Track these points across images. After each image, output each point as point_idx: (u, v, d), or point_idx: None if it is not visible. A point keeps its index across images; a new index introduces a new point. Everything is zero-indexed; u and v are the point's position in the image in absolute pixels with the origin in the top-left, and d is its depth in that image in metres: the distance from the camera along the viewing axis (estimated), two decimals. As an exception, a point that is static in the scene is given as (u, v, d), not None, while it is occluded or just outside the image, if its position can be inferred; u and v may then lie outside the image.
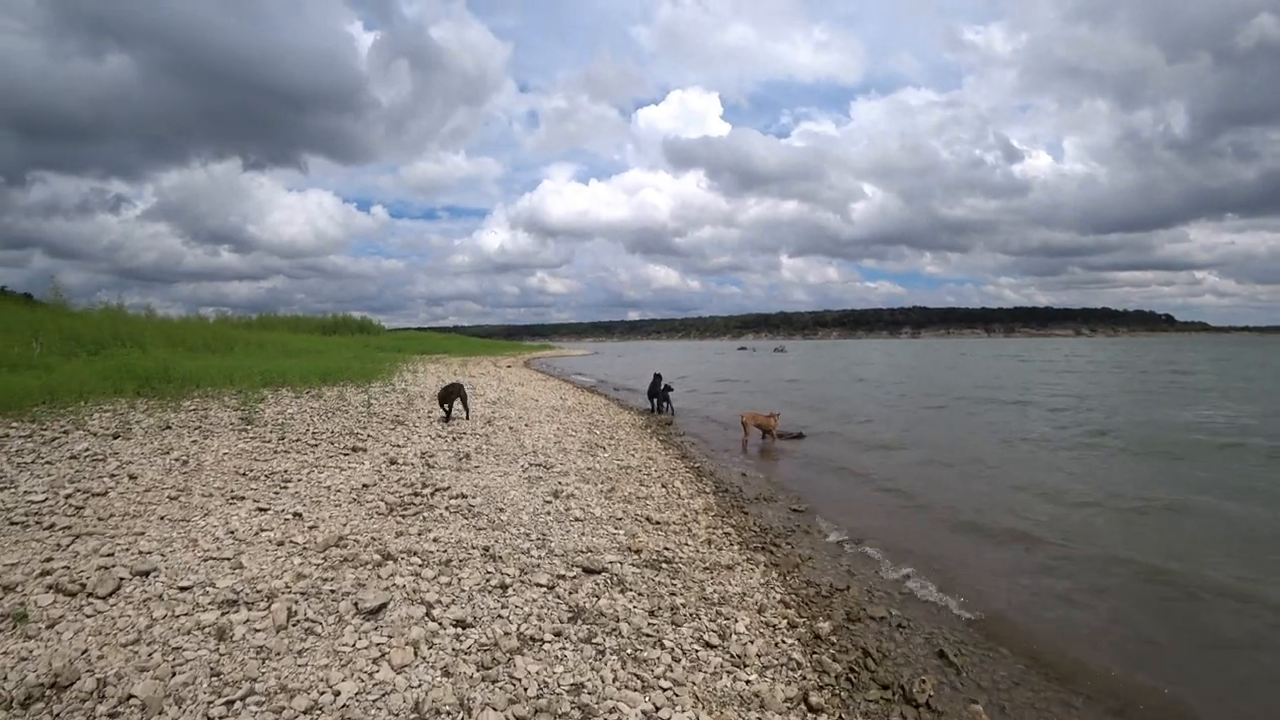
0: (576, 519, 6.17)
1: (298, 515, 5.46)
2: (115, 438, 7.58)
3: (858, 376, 33.23)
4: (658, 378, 18.25)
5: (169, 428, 8.27)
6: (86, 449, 6.95)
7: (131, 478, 6.21)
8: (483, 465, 7.97)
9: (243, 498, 5.83)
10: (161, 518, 5.28)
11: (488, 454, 8.78)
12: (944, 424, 15.20)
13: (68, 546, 4.57)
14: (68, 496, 5.61)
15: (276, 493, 6.08)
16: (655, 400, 18.35)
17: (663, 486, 8.16)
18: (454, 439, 9.57)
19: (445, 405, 11.63)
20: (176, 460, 6.88)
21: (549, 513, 6.24)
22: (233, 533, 5.02)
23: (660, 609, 4.51)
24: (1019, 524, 7.37)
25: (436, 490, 6.54)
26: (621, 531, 6.00)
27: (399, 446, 8.60)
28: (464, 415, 11.83)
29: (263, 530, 5.11)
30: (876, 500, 8.60)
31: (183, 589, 3.99)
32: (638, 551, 5.51)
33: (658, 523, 6.51)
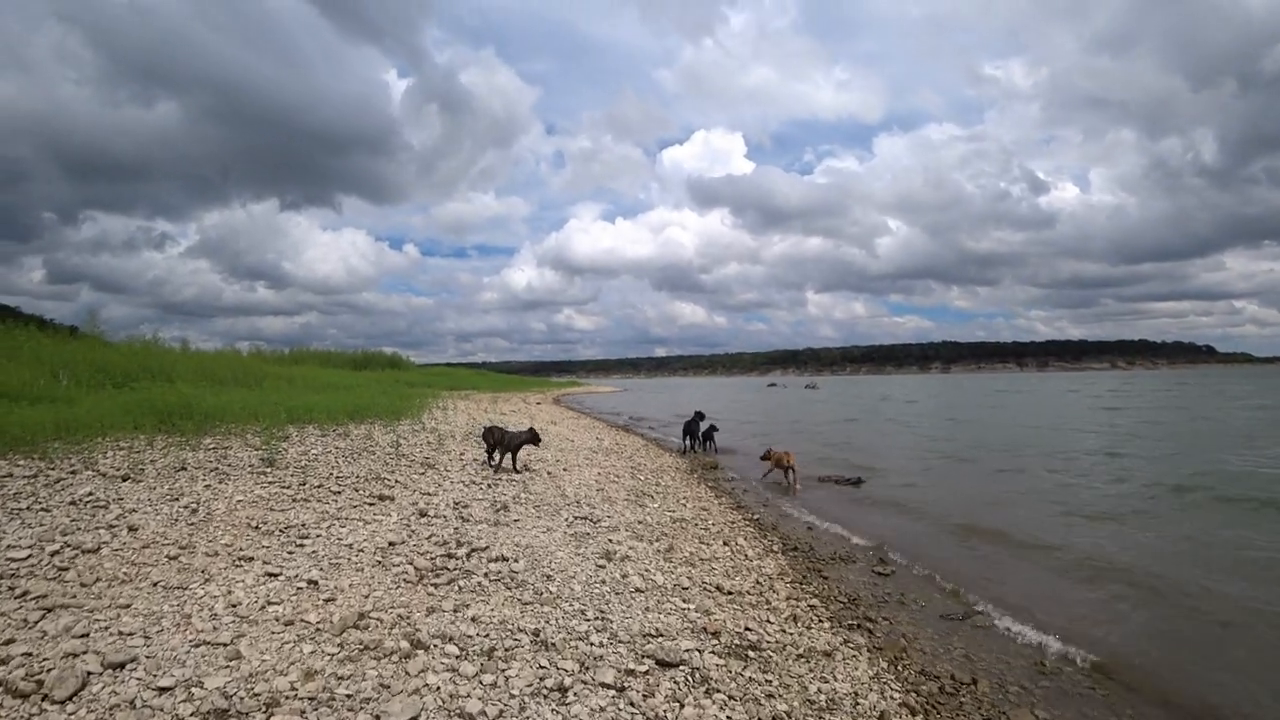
0: (637, 589, 5.25)
1: (313, 584, 4.63)
2: (124, 480, 6.87)
3: (901, 416, 31.87)
4: (699, 415, 17.35)
5: (184, 469, 7.56)
6: (90, 493, 6.23)
7: (131, 530, 5.45)
8: (522, 518, 7.11)
9: (251, 558, 5.03)
10: (155, 584, 4.49)
11: (527, 504, 7.92)
12: (1010, 466, 14.00)
13: (36, 623, 3.78)
14: (54, 553, 4.86)
15: (291, 552, 5.26)
16: (691, 439, 17.45)
17: (725, 544, 7.21)
18: (489, 485, 8.73)
19: (489, 448, 10.63)
20: (185, 508, 6.13)
21: (604, 580, 5.33)
22: (235, 607, 4.20)
23: (760, 720, 3.58)
24: (1145, 575, 6.37)
25: (473, 550, 5.67)
26: (692, 605, 5.06)
27: (429, 495, 7.78)
28: (511, 468, 10.48)
29: (270, 604, 4.28)
30: (960, 553, 7.61)
31: (162, 690, 3.16)
32: (716, 634, 4.57)
33: (730, 593, 5.56)
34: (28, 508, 5.77)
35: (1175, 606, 5.94)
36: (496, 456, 10.59)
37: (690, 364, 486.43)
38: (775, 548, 7.47)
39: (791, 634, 4.89)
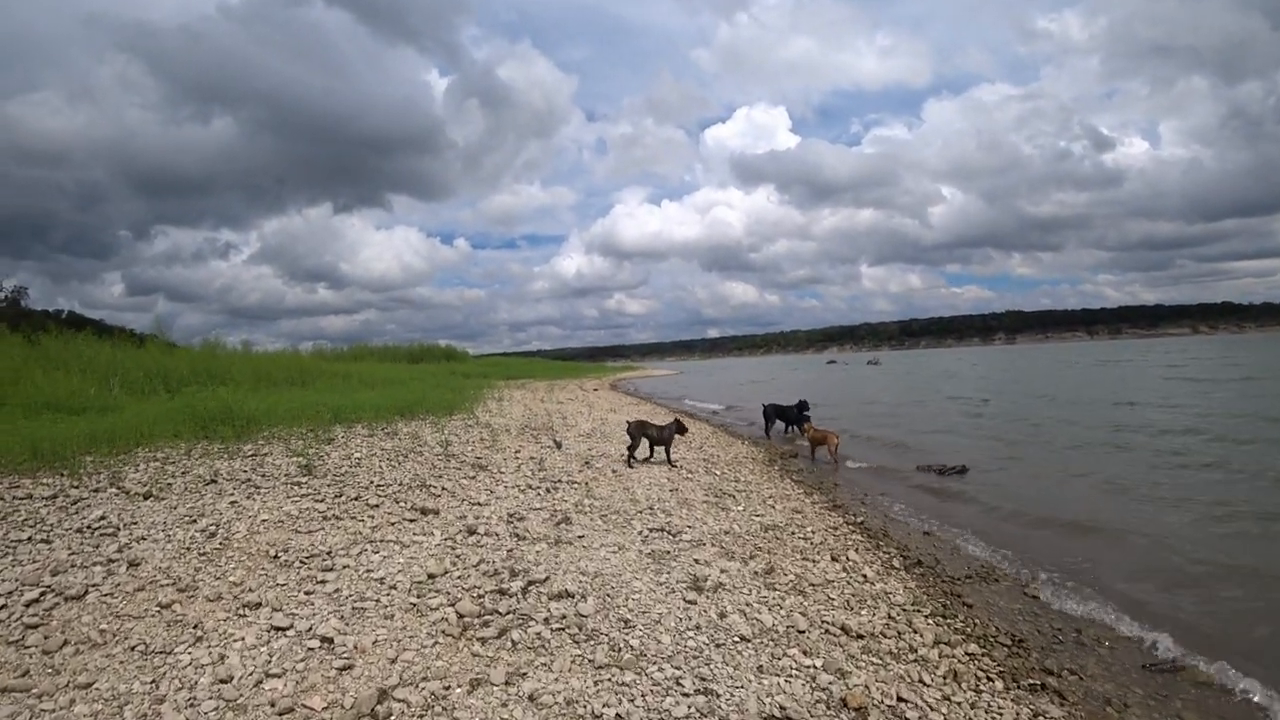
0: (742, 636, 4.06)
1: (327, 641, 3.61)
2: (146, 498, 6.07)
3: (975, 393, 29.76)
4: (803, 404, 15.95)
5: (214, 481, 6.75)
6: (102, 517, 5.42)
7: (131, 565, 4.57)
8: (588, 533, 5.99)
9: (259, 604, 4.04)
10: (133, 647, 3.53)
11: (592, 512, 6.82)
12: (1115, 450, 12.26)
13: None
14: (31, 602, 3.99)
15: (309, 593, 4.27)
16: (773, 423, 16.24)
17: (834, 559, 5.96)
18: (547, 490, 7.66)
19: (633, 444, 10.20)
20: (202, 532, 5.25)
21: (698, 625, 4.16)
22: (223, 683, 3.21)
23: None
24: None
25: (530, 584, 4.58)
26: (818, 661, 3.85)
27: (479, 504, 6.74)
28: (666, 460, 10.39)
29: (269, 675, 3.27)
30: (1115, 564, 6.20)
31: None
32: (861, 710, 3.36)
33: (861, 636, 4.32)
34: (29, 538, 4.97)
35: None
36: (643, 452, 10.35)
37: (744, 344, 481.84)
38: (896, 563, 6.16)
39: (960, 703, 3.64)
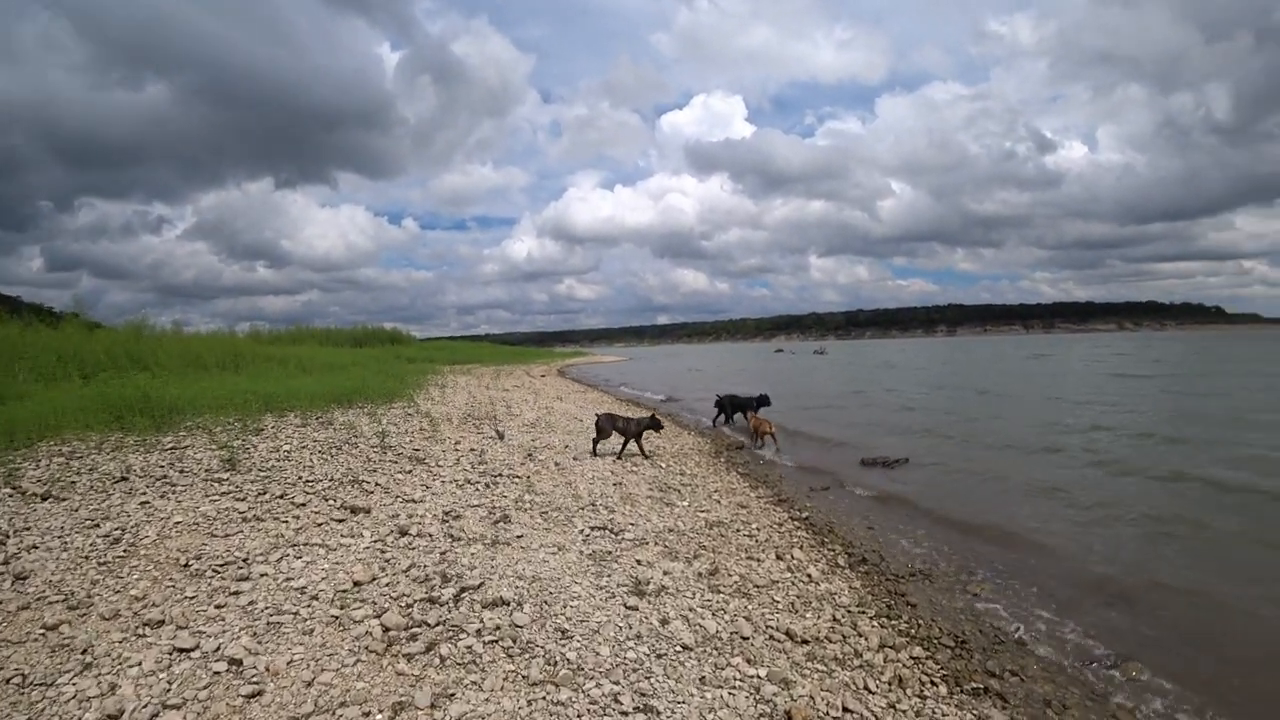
0: (684, 645, 3.90)
1: (235, 664, 3.31)
2: (45, 499, 5.60)
3: (917, 386, 30.45)
4: (763, 397, 15.76)
5: (124, 478, 6.28)
6: (-9, 522, 4.96)
7: (18, 579, 4.16)
8: (527, 533, 5.76)
9: (162, 621, 3.71)
10: (8, 680, 3.18)
11: (532, 509, 6.58)
12: (1047, 446, 12.60)
13: None
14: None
15: (220, 606, 3.94)
16: (729, 414, 16.12)
17: (779, 558, 5.87)
18: (487, 485, 7.39)
19: (599, 438, 10.22)
20: (105, 538, 4.84)
21: (639, 634, 3.98)
22: (113, 718, 2.90)
23: None
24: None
25: (464, 590, 4.34)
26: (762, 671, 3.71)
27: (414, 501, 6.43)
28: (641, 454, 10.39)
29: (166, 707, 2.97)
30: (1050, 557, 6.31)
31: None
32: (806, 725, 3.27)
33: (806, 641, 4.21)
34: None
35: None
36: (610, 446, 10.24)
37: (694, 331, 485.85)
38: (840, 560, 6.10)
39: (905, 711, 3.55)
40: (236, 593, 4.10)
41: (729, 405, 16.06)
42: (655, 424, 10.65)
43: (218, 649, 3.44)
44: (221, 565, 4.49)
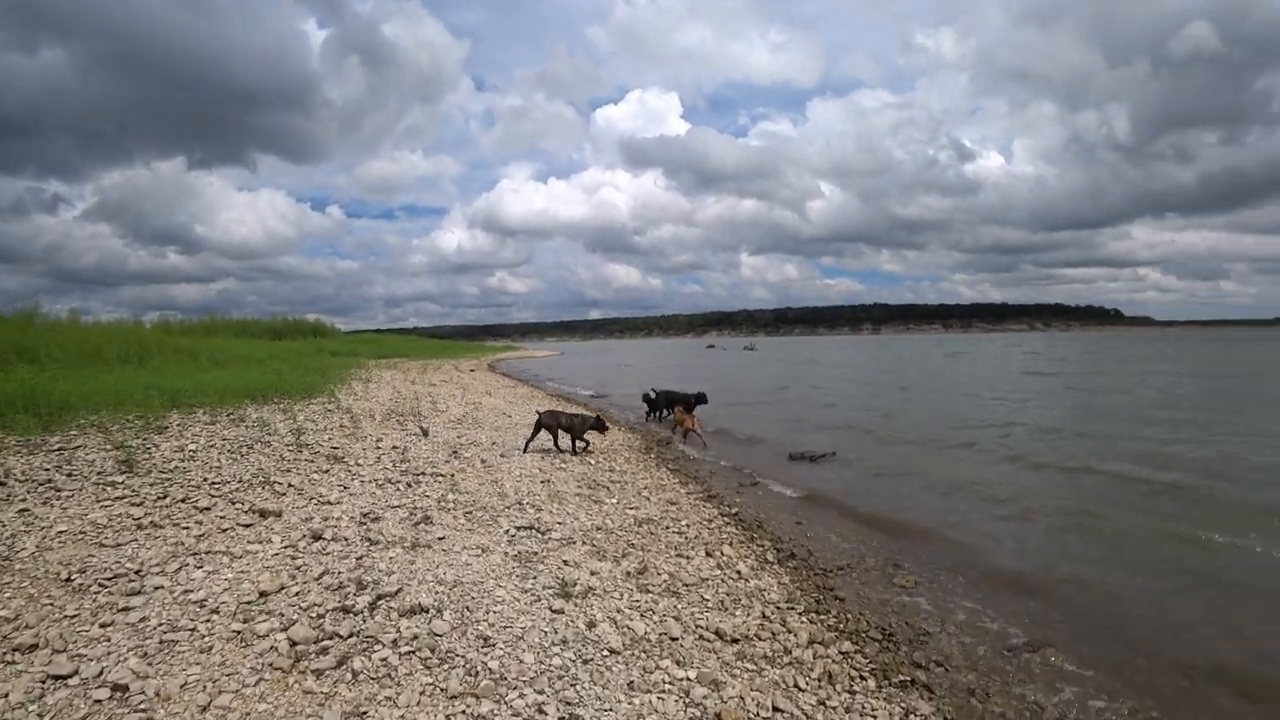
0: (611, 649, 3.78)
1: (120, 690, 3.01)
2: (-93, 509, 5.07)
3: (852, 379, 31.37)
4: (701, 395, 15.63)
5: (3, 483, 5.75)
6: None
7: None
8: (450, 535, 5.53)
9: (35, 646, 3.36)
10: None
11: (456, 509, 6.34)
12: (961, 441, 13.11)
13: None
14: None
15: (106, 625, 3.60)
16: (662, 410, 16.02)
17: (709, 555, 5.82)
18: (409, 484, 7.10)
19: (536, 434, 10.05)
20: (-28, 550, 4.40)
21: (565, 639, 3.84)
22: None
23: None
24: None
25: (380, 598, 4.11)
26: (691, 673, 3.63)
27: (329, 503, 6.10)
28: (571, 450, 10.23)
29: (32, 745, 2.69)
30: (971, 547, 6.52)
31: None
32: (735, 728, 3.21)
33: (735, 640, 4.16)
34: None
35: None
36: (554, 441, 10.09)
37: (626, 326, 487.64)
38: (770, 556, 6.09)
39: (835, 707, 3.54)
40: (126, 609, 3.76)
41: (664, 401, 15.97)
42: (600, 425, 10.54)
43: (100, 674, 3.12)
44: (110, 579, 4.12)
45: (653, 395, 16.68)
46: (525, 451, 9.81)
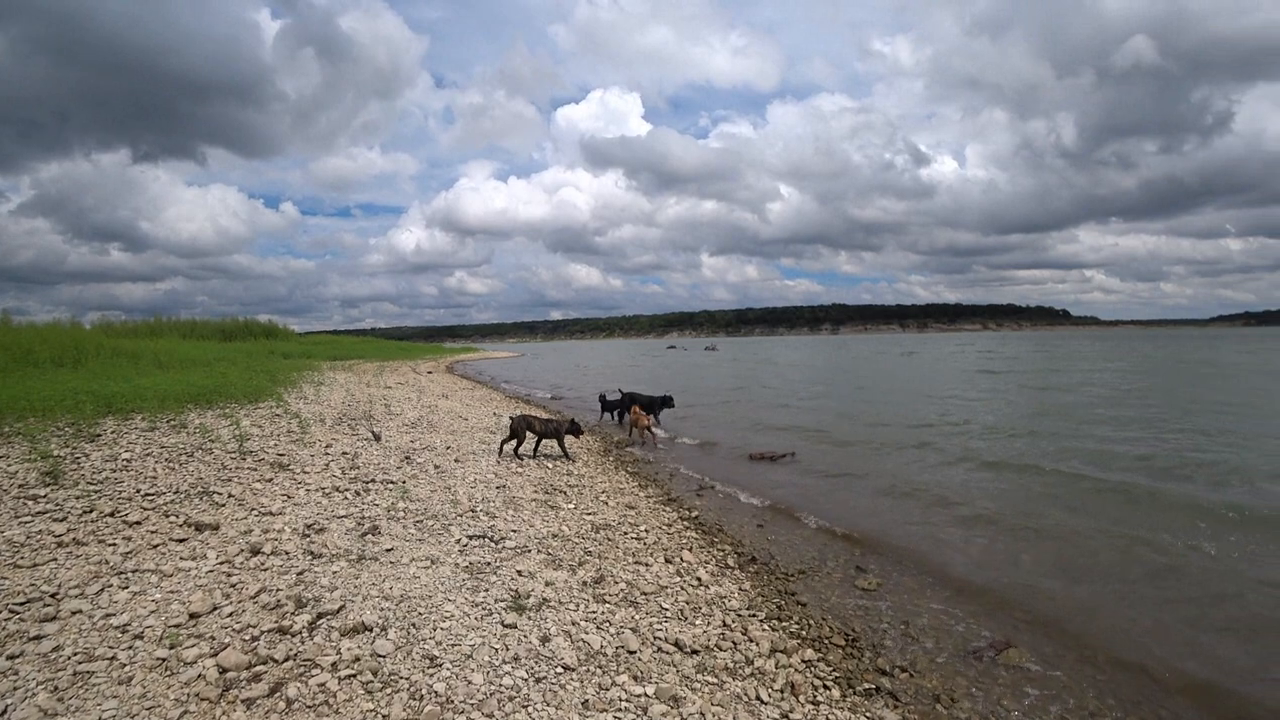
0: (565, 665, 3.62)
1: (22, 728, 2.78)
2: None
3: (810, 379, 31.67)
4: (667, 398, 15.46)
5: (-89, 497, 5.35)
6: None
7: None
8: (398, 546, 5.31)
9: (-73, 680, 3.08)
10: None
11: (406, 518, 6.11)
12: (920, 441, 13.30)
13: None
14: None
15: (14, 656, 3.30)
16: (619, 412, 15.95)
17: (667, 561, 5.69)
18: (357, 492, 6.82)
19: (510, 438, 9.88)
20: None
21: (517, 655, 3.67)
22: None
23: None
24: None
25: (320, 616, 3.89)
26: (650, 688, 3.48)
27: (272, 514, 5.82)
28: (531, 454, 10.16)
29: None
30: (928, 546, 6.52)
31: None
32: (693, 750, 3.08)
33: (695, 651, 4.02)
34: None
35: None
36: (522, 446, 9.91)
37: (587, 326, 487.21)
38: (730, 561, 5.98)
39: (798, 721, 3.47)
40: (38, 638, 3.47)
41: (628, 404, 15.82)
42: (575, 429, 10.41)
43: (3, 713, 2.86)
44: (21, 604, 3.81)
45: (608, 396, 16.77)
46: (500, 456, 9.72)
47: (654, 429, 13.27)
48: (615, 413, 16.22)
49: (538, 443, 10.26)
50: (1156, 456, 10.22)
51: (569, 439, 10.48)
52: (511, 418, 10.07)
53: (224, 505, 5.98)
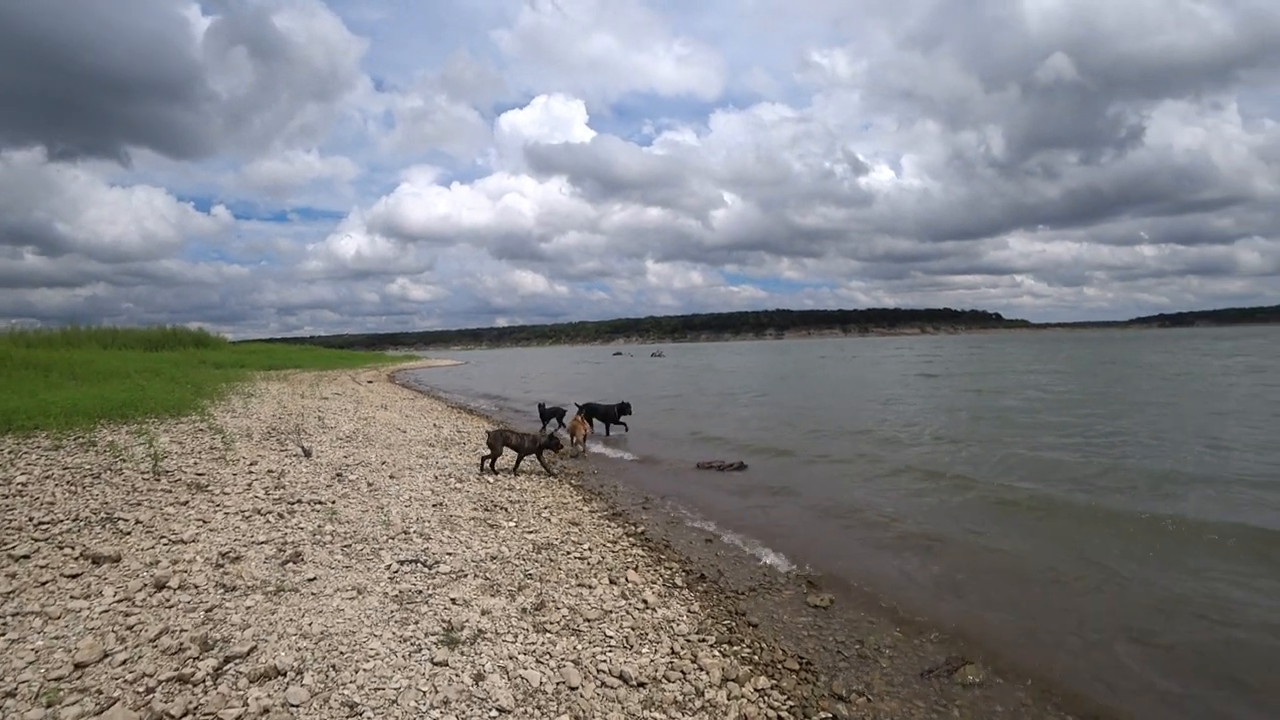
0: (500, 708, 3.31)
1: None
2: None
3: (756, 385, 31.86)
4: (625, 406, 15.28)
5: None
6: None
7: None
8: (322, 575, 4.93)
9: None
10: None
11: (333, 543, 5.71)
12: (867, 450, 13.41)
13: None
14: None
15: None
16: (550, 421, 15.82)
17: (612, 582, 5.42)
18: (281, 515, 6.37)
19: (491, 455, 9.78)
20: None
21: (446, 698, 3.35)
22: None
23: None
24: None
25: (228, 660, 3.52)
26: (591, 733, 3.27)
27: (182, 542, 5.36)
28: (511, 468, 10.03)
29: None
30: (881, 561, 6.43)
31: None
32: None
33: (641, 684, 3.78)
34: None
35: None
36: (503, 462, 9.90)
37: (533, 334, 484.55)
38: (678, 580, 5.73)
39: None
40: (-118, 698, 3.04)
41: (588, 414, 15.52)
42: (554, 443, 10.11)
43: None
44: None
45: (547, 405, 16.82)
46: (494, 472, 9.68)
47: (587, 441, 13.09)
48: (556, 421, 16.11)
49: (519, 459, 9.98)
50: (1091, 465, 10.32)
51: (548, 454, 10.17)
52: (489, 432, 9.83)
53: (129, 533, 5.49)
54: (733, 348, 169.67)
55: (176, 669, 3.42)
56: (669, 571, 5.96)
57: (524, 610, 4.65)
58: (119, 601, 4.20)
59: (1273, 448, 11.09)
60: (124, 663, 3.47)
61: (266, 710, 3.12)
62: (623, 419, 15.29)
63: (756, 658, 4.38)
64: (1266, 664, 4.47)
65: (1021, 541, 7.04)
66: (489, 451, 9.72)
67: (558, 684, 3.68)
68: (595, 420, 15.34)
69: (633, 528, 7.39)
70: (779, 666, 4.30)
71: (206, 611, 4.13)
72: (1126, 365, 36.91)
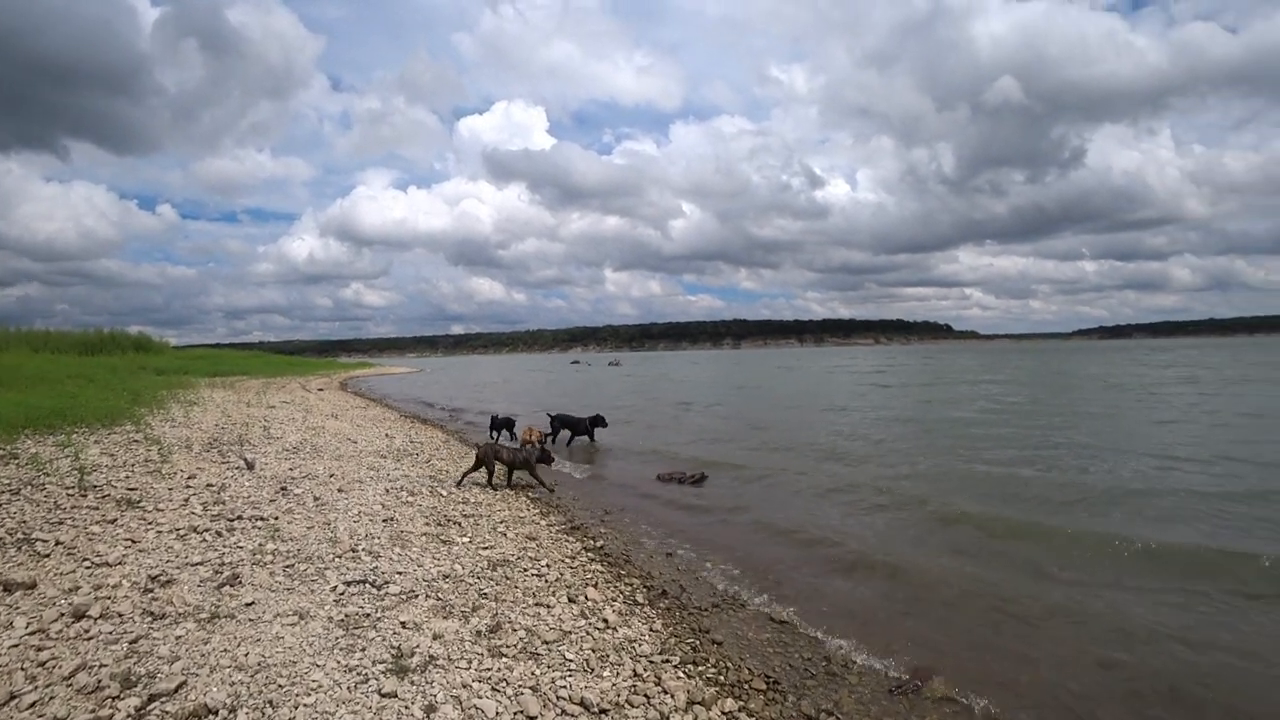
0: (452, 746, 3.15)
1: None
2: None
3: (714, 395, 31.93)
4: (599, 419, 15.09)
5: None
6: None
7: None
8: (261, 598, 4.62)
9: None
10: None
11: (274, 563, 5.38)
12: (830, 460, 13.46)
13: None
14: None
15: None
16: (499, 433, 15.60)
17: (571, 601, 5.20)
18: (219, 533, 6.00)
19: (477, 468, 9.52)
20: None
21: (394, 736, 3.16)
22: None
23: None
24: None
25: (152, 699, 3.21)
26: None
27: (108, 565, 4.98)
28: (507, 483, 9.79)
29: None
30: (849, 578, 6.32)
31: None
32: None
33: (604, 709, 3.57)
34: None
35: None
36: (488, 479, 9.61)
37: (490, 341, 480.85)
38: (639, 596, 5.52)
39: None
40: None
41: (559, 426, 15.24)
42: (546, 457, 9.88)
43: None
44: None
45: (499, 415, 16.56)
46: (458, 485, 9.35)
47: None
48: (507, 432, 15.85)
49: (510, 474, 9.73)
50: (1042, 480, 10.33)
51: (541, 467, 9.88)
52: (478, 446, 9.66)
53: (48, 556, 5.09)
54: (690, 357, 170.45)
55: (93, 710, 3.12)
56: (629, 588, 5.77)
57: (478, 633, 4.42)
58: (31, 634, 3.84)
59: (1218, 460, 11.41)
60: (32, 705, 3.15)
61: (192, 759, 2.84)
62: (595, 431, 15.10)
63: (722, 678, 4.22)
64: (1214, 677, 4.50)
65: (977, 558, 7.00)
66: (473, 466, 9.45)
67: (515, 713, 3.47)
68: (566, 431, 15.15)
69: (591, 541, 7.18)
70: (746, 687, 4.15)
71: (130, 643, 3.80)
72: (1072, 376, 38.16)
